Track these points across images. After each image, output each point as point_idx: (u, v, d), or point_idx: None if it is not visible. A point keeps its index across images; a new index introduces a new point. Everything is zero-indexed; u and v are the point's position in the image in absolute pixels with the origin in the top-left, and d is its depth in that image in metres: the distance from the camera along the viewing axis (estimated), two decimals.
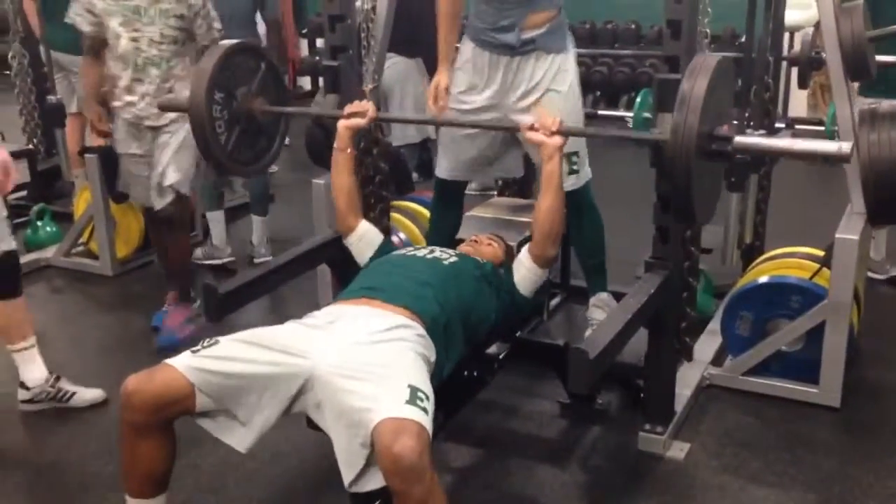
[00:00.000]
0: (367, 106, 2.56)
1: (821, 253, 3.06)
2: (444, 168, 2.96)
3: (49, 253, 4.35)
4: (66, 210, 4.65)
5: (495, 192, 4.01)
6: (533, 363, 2.94)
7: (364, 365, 1.94)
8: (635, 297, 2.43)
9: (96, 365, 3.32)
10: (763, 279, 3.08)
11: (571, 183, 2.79)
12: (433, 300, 2.23)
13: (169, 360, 1.98)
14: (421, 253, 2.53)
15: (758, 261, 3.42)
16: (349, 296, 2.30)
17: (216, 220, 4.20)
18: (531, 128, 2.33)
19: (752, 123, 3.42)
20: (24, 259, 4.21)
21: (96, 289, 4.11)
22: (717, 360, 3.15)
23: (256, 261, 4.26)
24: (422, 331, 2.14)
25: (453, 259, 2.48)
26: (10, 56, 4.86)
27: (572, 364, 2.04)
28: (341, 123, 2.57)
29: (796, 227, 4.52)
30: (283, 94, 2.88)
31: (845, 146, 2.03)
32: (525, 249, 2.48)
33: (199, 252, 4.21)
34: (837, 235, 2.77)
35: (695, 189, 2.06)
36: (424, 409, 1.84)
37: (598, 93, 7.48)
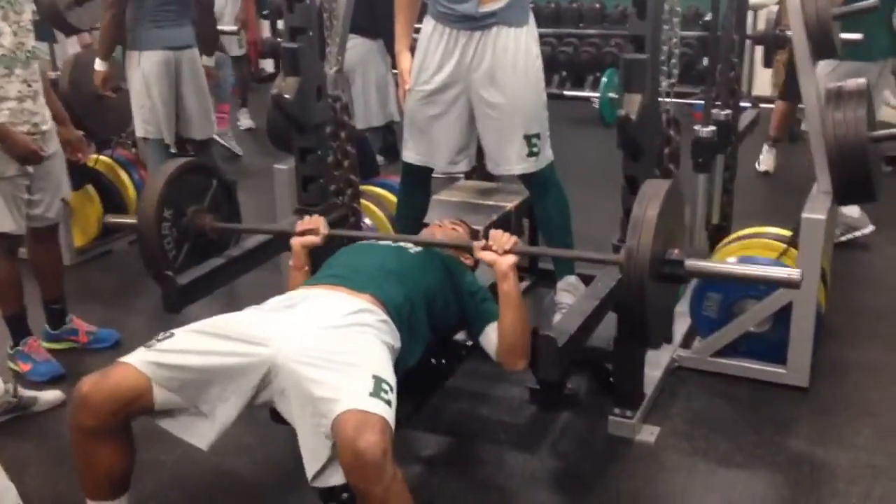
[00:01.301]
0: (320, 222, 2.43)
1: (788, 233, 3.06)
2: (409, 152, 2.90)
3: None
4: None
5: (462, 175, 3.96)
6: None
7: (327, 353, 1.91)
8: (603, 280, 2.40)
9: (60, 359, 3.20)
10: (731, 260, 3.07)
11: (531, 165, 2.75)
12: (397, 287, 2.21)
13: (123, 358, 1.93)
14: (384, 243, 2.49)
15: (725, 241, 3.41)
16: (313, 282, 2.27)
17: None
18: (485, 246, 2.23)
19: (718, 103, 3.40)
20: None
21: None
22: (686, 342, 3.14)
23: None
24: (384, 316, 2.11)
25: (418, 249, 2.44)
26: None
27: (541, 351, 2.02)
28: (295, 241, 2.41)
29: (763, 207, 4.55)
30: (235, 210, 2.86)
31: (795, 273, 2.09)
32: (496, 347, 2.27)
33: None
34: (804, 215, 2.76)
35: (650, 310, 2.08)
36: (388, 402, 1.81)
37: (564, 73, 7.44)
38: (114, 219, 2.85)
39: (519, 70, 2.67)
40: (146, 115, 3.85)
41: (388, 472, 1.69)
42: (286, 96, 2.76)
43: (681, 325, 3.19)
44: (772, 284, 2.21)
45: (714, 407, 2.85)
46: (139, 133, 3.95)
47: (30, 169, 2.93)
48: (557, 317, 2.70)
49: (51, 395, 2.88)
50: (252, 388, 1.94)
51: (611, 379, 2.77)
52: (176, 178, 2.54)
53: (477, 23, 2.64)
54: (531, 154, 2.74)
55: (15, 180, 2.89)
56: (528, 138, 2.73)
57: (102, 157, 4.26)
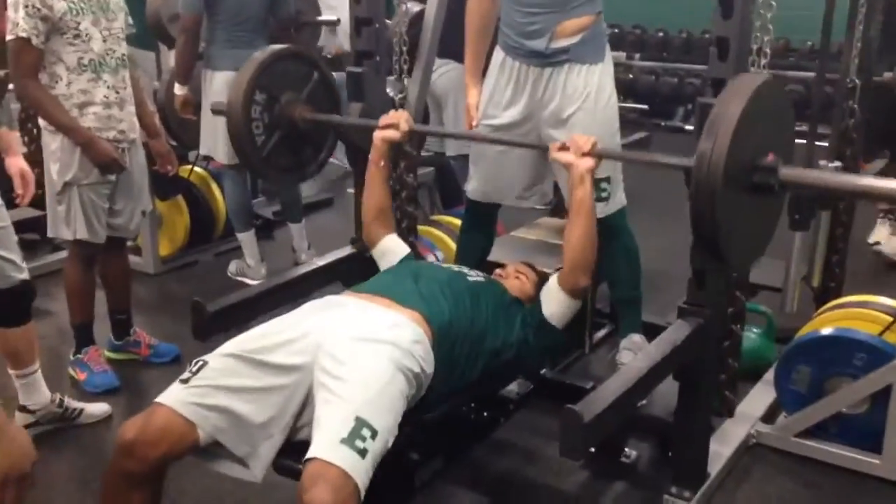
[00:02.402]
0: (402, 116, 2.44)
1: None
2: (474, 188, 2.75)
3: None
4: None
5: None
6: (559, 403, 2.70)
7: (338, 369, 1.82)
8: (659, 347, 2.15)
9: (117, 370, 3.22)
10: (826, 331, 2.73)
11: (599, 210, 2.54)
12: (446, 310, 2.08)
13: (161, 399, 1.85)
14: (445, 266, 2.41)
15: (825, 307, 3.05)
16: (359, 289, 2.19)
17: (246, 240, 4.05)
18: (561, 147, 2.15)
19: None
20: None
21: (136, 287, 3.97)
22: (769, 417, 2.82)
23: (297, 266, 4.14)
24: (422, 336, 1.98)
25: (479, 279, 2.31)
26: None
27: (563, 427, 1.79)
28: (377, 134, 2.47)
29: (882, 270, 4.12)
30: (336, 106, 2.78)
31: None
32: (554, 278, 2.28)
33: (232, 266, 4.11)
34: None
35: (723, 229, 1.79)
36: (362, 451, 1.67)
37: (690, 106, 7.07)
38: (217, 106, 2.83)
39: (588, 110, 2.48)
40: (211, 133, 3.85)
41: None
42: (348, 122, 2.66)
43: (764, 396, 2.87)
44: (886, 199, 1.81)
45: (792, 495, 2.53)
46: (202, 150, 3.97)
47: (112, 177, 2.95)
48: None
49: (97, 409, 2.87)
50: (293, 414, 1.88)
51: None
52: (271, 63, 2.57)
53: (547, 59, 2.48)
54: (600, 199, 2.54)
55: (96, 188, 2.91)
56: (597, 182, 2.51)
57: (196, 169, 4.31)
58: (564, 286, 2.24)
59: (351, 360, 1.84)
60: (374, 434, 1.70)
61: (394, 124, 2.44)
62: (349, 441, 1.66)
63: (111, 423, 2.86)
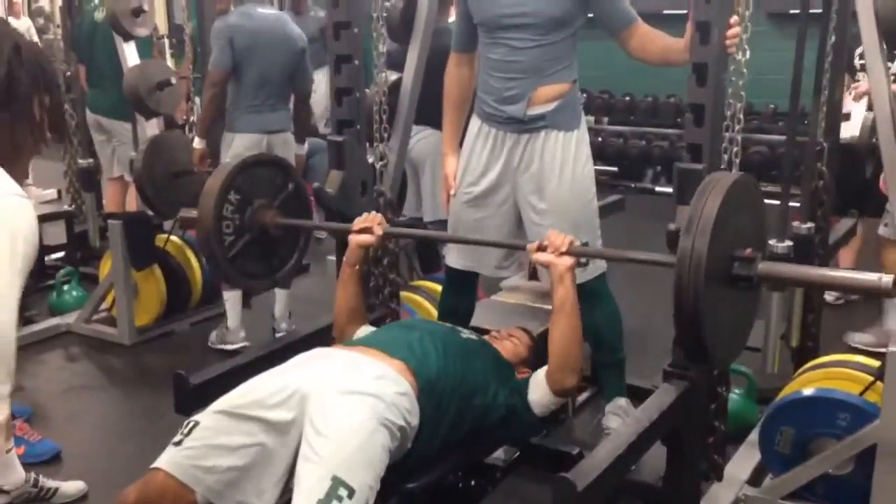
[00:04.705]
0: (376, 220, 2.43)
1: (876, 364, 2.72)
2: (454, 257, 2.76)
3: (71, 318, 4.26)
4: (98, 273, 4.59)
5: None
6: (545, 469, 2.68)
7: (321, 424, 1.83)
8: (647, 412, 2.15)
9: (96, 443, 3.16)
10: (807, 391, 2.74)
11: (578, 276, 2.55)
12: (434, 363, 2.08)
13: (157, 463, 1.88)
14: (440, 323, 2.43)
15: (805, 367, 3.07)
16: (351, 343, 2.21)
17: (232, 300, 4.00)
18: (539, 247, 2.15)
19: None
20: (45, 324, 4.18)
21: (112, 358, 4.00)
22: (756, 479, 2.81)
23: (278, 335, 4.09)
24: (407, 388, 1.98)
25: (473, 337, 2.32)
26: None
27: (557, 496, 1.78)
28: (352, 239, 2.44)
29: (860, 329, 4.16)
30: (306, 215, 2.78)
31: (886, 279, 1.78)
32: (544, 372, 2.23)
33: (212, 336, 4.05)
34: (890, 349, 2.44)
35: (707, 324, 1.80)
36: None
37: (659, 167, 7.20)
38: (186, 214, 2.83)
39: (566, 177, 2.51)
40: None
41: None
42: (328, 190, 2.66)
43: (749, 458, 2.86)
44: (858, 292, 1.85)
45: None
46: None
47: None
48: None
49: (73, 487, 2.79)
50: (287, 467, 1.89)
51: None
52: (251, 166, 2.57)
53: (525, 126, 2.51)
54: (578, 265, 2.54)
55: None
56: None
57: (173, 238, 4.28)
58: (551, 383, 2.20)
59: (333, 414, 1.86)
60: (350, 493, 1.73)
61: (368, 228, 2.42)
62: (326, 502, 1.69)
63: (87, 501, 2.79)
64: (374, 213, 2.48)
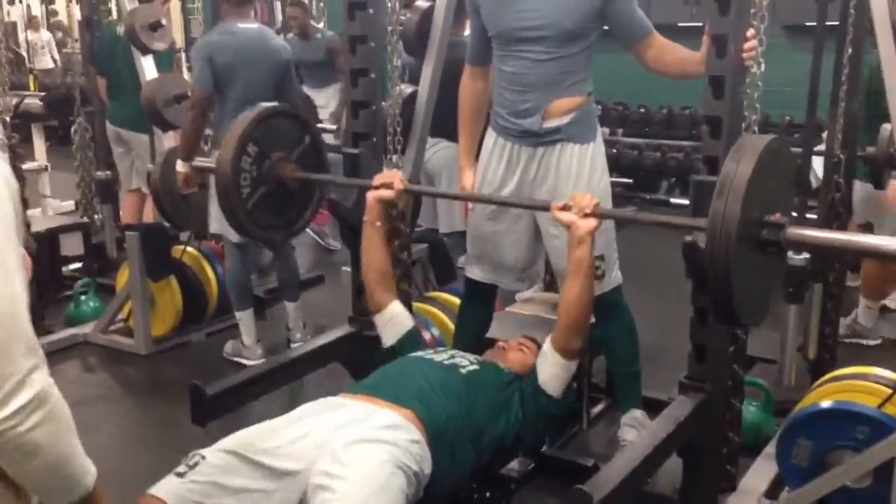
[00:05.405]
0: (396, 175, 2.46)
1: (894, 376, 2.70)
2: (474, 269, 2.77)
3: (88, 328, 4.29)
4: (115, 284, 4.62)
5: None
6: (560, 480, 2.67)
7: (336, 471, 1.81)
8: (663, 423, 2.15)
9: (111, 454, 3.17)
10: (825, 404, 2.72)
11: (595, 288, 2.56)
12: (441, 410, 2.07)
13: (154, 490, 1.83)
14: (439, 358, 2.35)
15: (823, 379, 3.05)
16: (354, 390, 2.18)
17: (245, 319, 4.00)
18: (563, 206, 2.17)
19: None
20: (63, 335, 4.20)
21: (128, 369, 4.01)
22: (773, 492, 2.79)
23: (293, 345, 4.10)
24: (418, 436, 1.97)
25: (473, 367, 2.29)
26: (72, 130, 4.95)
27: None
28: (370, 194, 2.48)
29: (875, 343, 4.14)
30: (324, 172, 2.78)
31: None
32: (548, 341, 2.27)
33: (228, 347, 4.06)
34: None
35: (737, 285, 1.80)
36: None
37: (673, 179, 7.19)
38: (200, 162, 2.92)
39: (581, 190, 2.50)
40: (218, 211, 3.83)
41: None
42: (344, 203, 2.68)
43: (767, 471, 2.84)
44: (890, 259, 1.85)
45: None
46: (212, 229, 3.96)
47: None
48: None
49: None
50: None
51: None
52: (267, 118, 2.58)
53: (540, 139, 2.51)
54: (596, 277, 2.55)
55: None
56: None
57: (189, 249, 4.31)
58: (557, 346, 2.23)
59: (351, 461, 1.84)
60: None
61: (388, 183, 2.44)
62: None
63: None
64: (394, 170, 2.50)
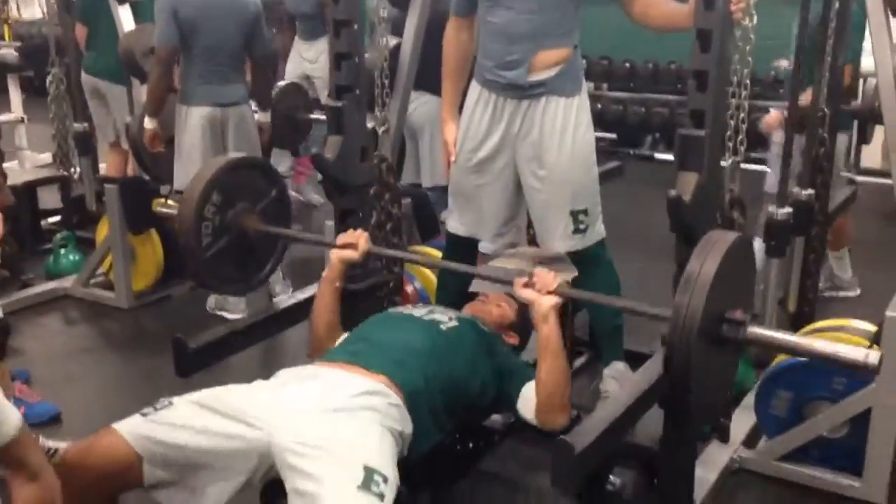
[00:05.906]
0: (361, 236, 2.39)
1: (873, 328, 2.74)
2: (455, 223, 2.76)
3: (69, 282, 4.26)
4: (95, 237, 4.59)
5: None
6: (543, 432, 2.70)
7: (321, 439, 1.79)
8: (644, 375, 2.16)
9: (95, 405, 3.17)
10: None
11: (576, 242, 2.57)
12: (419, 369, 2.06)
13: (116, 425, 1.84)
14: (419, 313, 2.33)
15: (802, 332, 3.09)
16: (330, 357, 2.15)
17: None
18: (526, 283, 2.14)
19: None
20: (43, 288, 4.18)
21: (110, 322, 4.00)
22: (750, 442, 2.84)
23: (275, 299, 4.09)
24: (396, 400, 1.98)
25: (453, 324, 2.28)
26: (47, 81, 4.86)
27: (555, 458, 1.79)
28: (334, 254, 2.38)
29: (864, 291, 4.18)
30: (286, 222, 2.76)
31: (872, 356, 1.84)
32: (532, 407, 2.15)
33: (211, 301, 4.04)
34: (888, 313, 2.46)
35: (695, 376, 1.89)
36: (380, 496, 1.70)
37: (658, 134, 7.18)
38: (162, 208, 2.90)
39: (566, 144, 2.50)
40: (184, 168, 3.79)
41: None
42: (327, 156, 2.65)
43: (745, 421, 2.89)
44: (843, 367, 1.96)
45: None
46: (177, 185, 3.90)
47: None
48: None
49: None
50: (247, 470, 1.85)
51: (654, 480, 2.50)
52: (236, 168, 2.57)
53: (525, 92, 2.49)
54: (577, 231, 2.56)
55: None
56: (574, 214, 2.55)
57: (170, 202, 4.26)
58: (539, 421, 2.14)
59: (338, 427, 1.84)
60: (385, 479, 1.73)
61: (352, 244, 2.38)
62: (365, 486, 1.69)
63: None
64: (359, 230, 2.43)
